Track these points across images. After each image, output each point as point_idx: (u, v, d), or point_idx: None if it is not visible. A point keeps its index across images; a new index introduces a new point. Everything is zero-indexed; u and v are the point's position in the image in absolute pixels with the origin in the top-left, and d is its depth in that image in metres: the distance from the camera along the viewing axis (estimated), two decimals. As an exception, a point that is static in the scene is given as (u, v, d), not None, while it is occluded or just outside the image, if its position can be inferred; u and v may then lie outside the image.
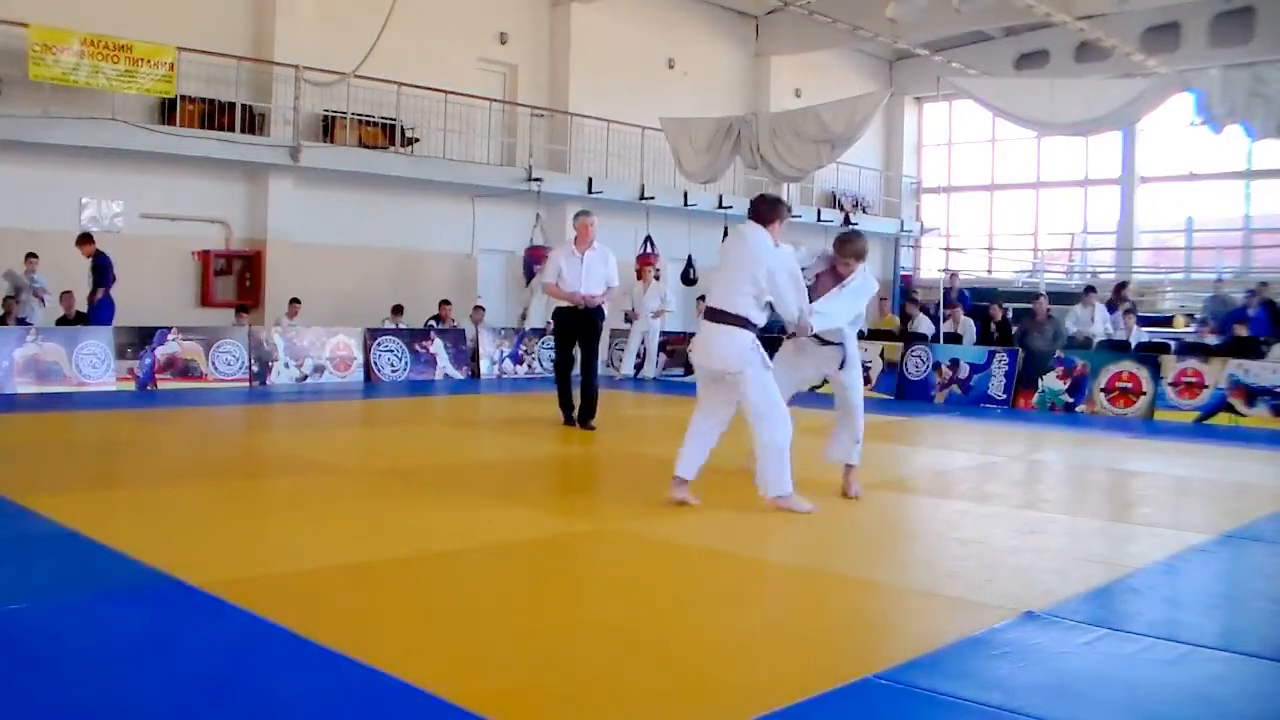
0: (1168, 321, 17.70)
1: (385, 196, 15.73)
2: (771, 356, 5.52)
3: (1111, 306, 14.16)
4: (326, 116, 14.99)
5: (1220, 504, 6.46)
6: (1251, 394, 10.84)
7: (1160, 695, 3.09)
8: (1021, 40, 21.49)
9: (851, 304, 5.79)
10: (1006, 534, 5.22)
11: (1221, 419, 10.92)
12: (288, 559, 4.41)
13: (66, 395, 10.86)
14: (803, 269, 5.57)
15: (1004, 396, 12.30)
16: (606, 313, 9.33)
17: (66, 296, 12.33)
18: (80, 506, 5.25)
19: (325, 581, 4.05)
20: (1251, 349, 11.79)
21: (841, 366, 5.86)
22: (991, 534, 5.21)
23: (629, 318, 15.28)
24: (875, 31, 18.90)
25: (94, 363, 11.43)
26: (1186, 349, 12.51)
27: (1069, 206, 23.33)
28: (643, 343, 15.32)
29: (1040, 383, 12.13)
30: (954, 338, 14.32)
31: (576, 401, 9.11)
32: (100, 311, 11.96)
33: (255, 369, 12.58)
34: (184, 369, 12.00)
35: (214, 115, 13.63)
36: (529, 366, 14.94)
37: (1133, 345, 12.77)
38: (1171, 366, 11.45)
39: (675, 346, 15.28)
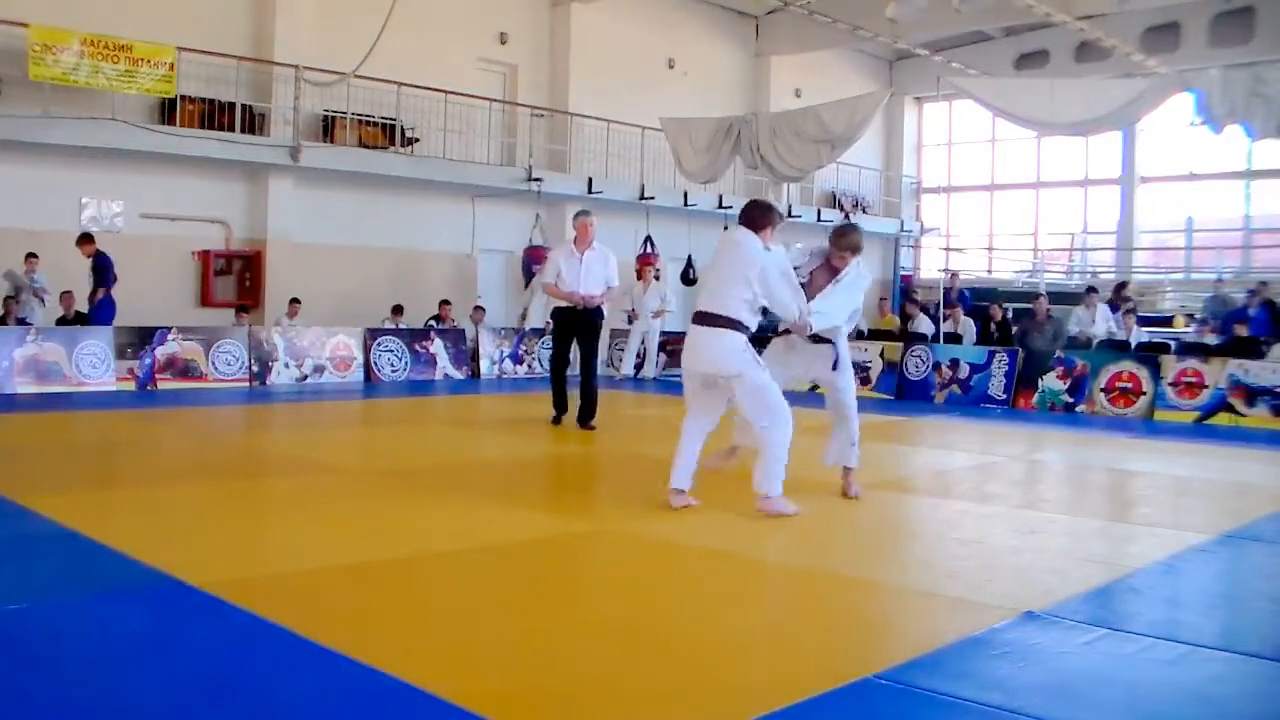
0: (1168, 321, 17.70)
1: (385, 196, 15.73)
2: (761, 354, 5.50)
3: (1114, 306, 14.16)
4: (326, 116, 14.99)
5: (1220, 504, 6.46)
6: (1251, 394, 10.84)
7: (1160, 695, 3.09)
8: (1021, 40, 21.49)
9: (848, 299, 5.78)
10: (1006, 534, 5.22)
11: (1221, 419, 10.92)
12: (288, 559, 4.41)
13: (66, 395, 10.86)
14: (795, 268, 5.56)
15: (1004, 396, 12.30)
16: (606, 313, 9.32)
17: (66, 296, 12.33)
18: (80, 506, 5.25)
19: (325, 581, 4.04)
20: (1251, 349, 11.79)
21: (835, 368, 5.83)
22: (991, 534, 5.21)
23: (631, 318, 15.28)
24: (875, 31, 18.90)
25: (94, 363, 11.43)
26: (1186, 349, 12.51)
27: (1069, 206, 23.33)
28: (643, 343, 15.33)
29: (1040, 383, 12.13)
30: (954, 338, 14.32)
31: (574, 404, 9.10)
32: (101, 311, 11.96)
33: (255, 369, 12.58)
34: (184, 369, 12.00)
35: (214, 115, 13.63)
36: (529, 366, 14.94)
37: (1133, 345, 12.77)
38: (1171, 366, 11.45)
39: (675, 346, 15.27)
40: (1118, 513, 6.32)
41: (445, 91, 15.53)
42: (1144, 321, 15.23)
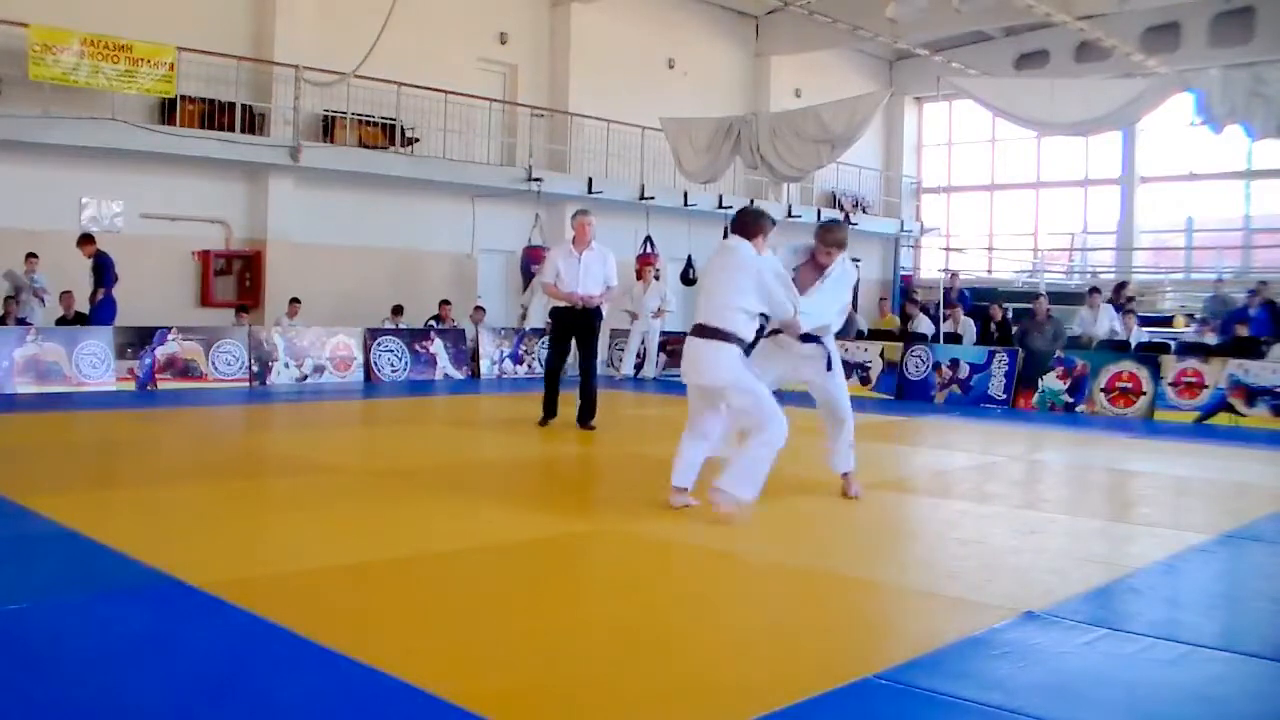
0: (1168, 321, 17.71)
1: (385, 196, 15.74)
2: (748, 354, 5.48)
3: (1119, 307, 14.18)
4: (326, 116, 15.00)
5: (1220, 504, 6.46)
6: (1251, 394, 10.84)
7: (1160, 695, 3.09)
8: (1021, 40, 21.49)
9: (835, 296, 5.78)
10: (1006, 534, 5.22)
11: (1221, 419, 10.91)
12: (288, 559, 4.40)
13: (66, 395, 10.86)
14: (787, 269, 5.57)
15: (1004, 396, 12.30)
16: (605, 313, 9.29)
17: (66, 296, 12.33)
18: (80, 506, 5.25)
19: (325, 581, 4.04)
20: (1252, 349, 11.79)
21: (829, 369, 5.80)
22: (991, 534, 5.21)
23: (634, 317, 15.28)
24: (875, 31, 18.90)
25: (94, 363, 11.43)
26: (1186, 349, 12.51)
27: (1069, 206, 23.33)
28: (643, 343, 15.33)
29: (1040, 383, 12.13)
30: (954, 338, 14.32)
31: (574, 404, 9.08)
32: (102, 311, 11.96)
33: (255, 369, 12.58)
34: (184, 369, 12.00)
35: (214, 115, 13.64)
36: (529, 367, 14.94)
37: (1133, 345, 12.77)
38: (1171, 366, 11.45)
39: (675, 346, 15.28)
40: (1118, 513, 6.32)
41: (445, 91, 15.53)
42: (1144, 321, 15.24)
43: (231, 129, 13.72)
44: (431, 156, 15.55)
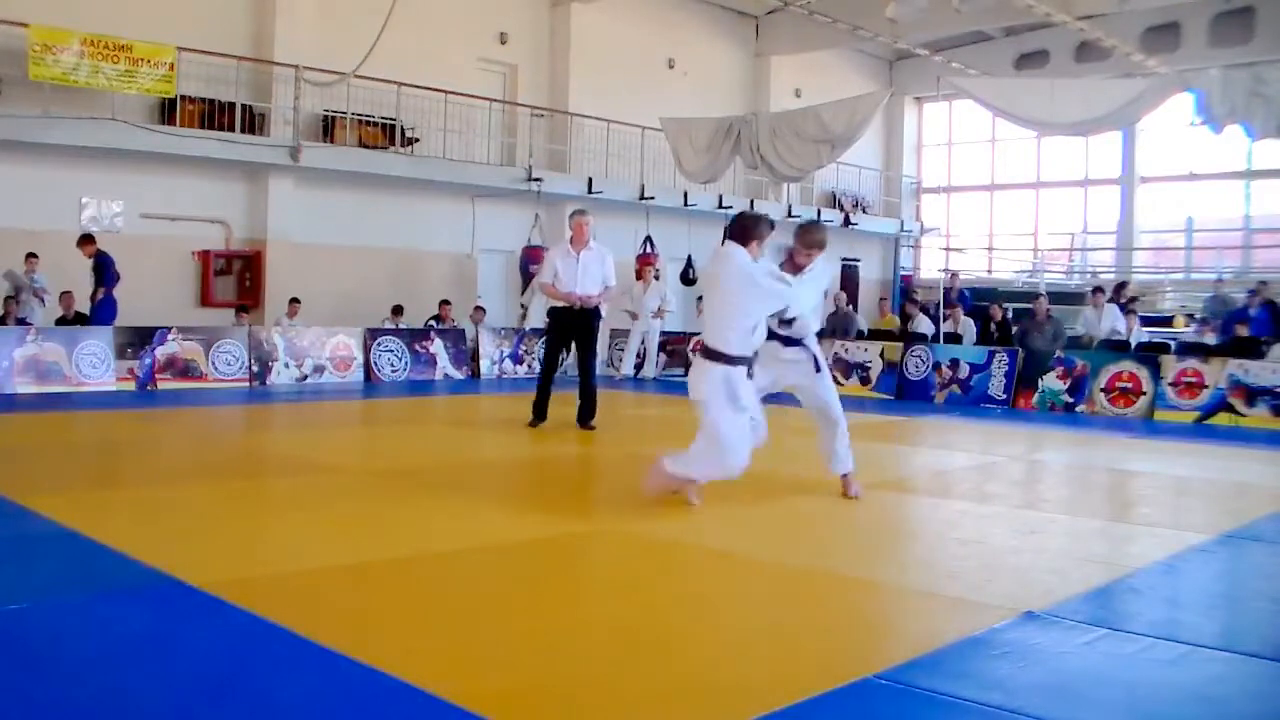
0: (1168, 321, 17.71)
1: (385, 196, 15.74)
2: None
3: (1124, 307, 14.19)
4: (326, 116, 15.00)
5: (1220, 504, 6.46)
6: (1251, 394, 10.84)
7: (1160, 695, 3.09)
8: (1021, 40, 21.49)
9: (810, 292, 5.78)
10: (1006, 534, 5.22)
11: (1221, 419, 10.91)
12: (288, 559, 4.40)
13: (66, 395, 10.86)
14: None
15: (1004, 396, 12.30)
16: (604, 314, 9.27)
17: (66, 296, 12.33)
18: (80, 506, 5.25)
19: (325, 581, 4.04)
20: (1252, 349, 11.79)
21: (817, 370, 5.80)
22: (991, 534, 5.21)
23: (634, 317, 15.29)
24: (875, 31, 18.90)
25: (94, 363, 11.43)
26: (1186, 349, 12.51)
27: (1069, 206, 23.34)
28: (643, 343, 15.33)
29: (1040, 383, 12.13)
30: (954, 338, 14.32)
31: (573, 404, 9.07)
32: (103, 311, 11.96)
33: (255, 369, 12.58)
34: (184, 369, 12.00)
35: (214, 115, 13.64)
36: (529, 367, 14.93)
37: (1133, 345, 12.77)
38: (1171, 366, 11.45)
39: (675, 346, 15.29)
40: (1118, 513, 6.32)
41: (445, 91, 15.53)
42: (1144, 321, 15.25)
43: (231, 129, 13.72)
44: (431, 156, 15.55)
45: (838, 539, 5.17)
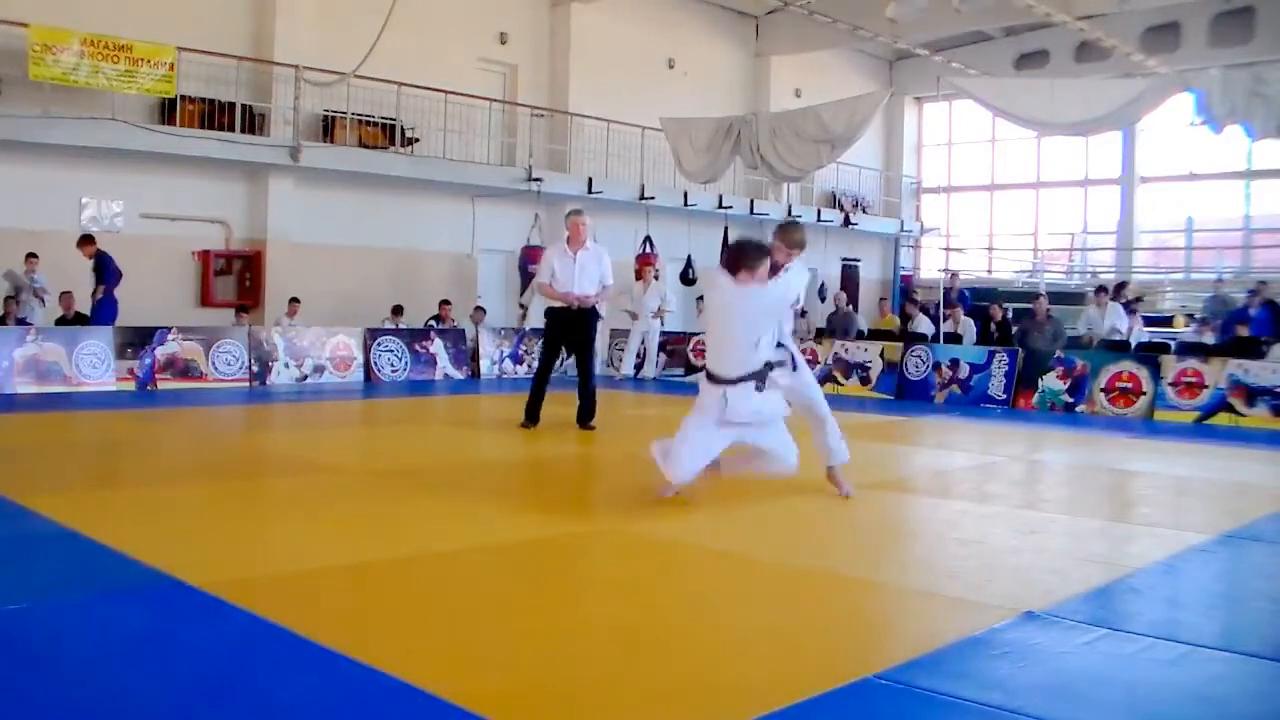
0: (1168, 321, 17.72)
1: (385, 196, 15.74)
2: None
3: (1128, 306, 14.20)
4: (326, 116, 15.00)
5: (1220, 504, 6.46)
6: (1251, 394, 10.84)
7: (1160, 695, 3.09)
8: (1021, 40, 21.50)
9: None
10: (1006, 534, 5.22)
11: (1221, 419, 10.91)
12: (288, 559, 4.40)
13: (66, 395, 10.86)
14: None
15: (1004, 396, 12.30)
16: (604, 314, 9.23)
17: (66, 296, 12.33)
18: (80, 506, 5.25)
19: (325, 581, 4.04)
20: (1252, 349, 11.79)
21: (794, 369, 5.79)
22: (991, 534, 5.21)
23: (634, 317, 15.29)
24: (875, 31, 18.91)
25: (94, 363, 11.43)
26: (1186, 349, 12.51)
27: (1069, 206, 23.34)
28: (643, 343, 15.33)
29: (1040, 383, 12.13)
30: (954, 338, 14.32)
31: (572, 404, 9.06)
32: (103, 311, 11.96)
33: (255, 369, 12.58)
34: (184, 369, 12.00)
35: (214, 115, 13.64)
36: (529, 366, 14.90)
37: (1133, 345, 12.76)
38: (1171, 366, 11.45)
39: (675, 346, 15.29)
40: (1118, 513, 6.32)
41: (445, 91, 15.53)
42: (1144, 321, 15.26)
43: (231, 129, 13.72)
44: (431, 156, 15.56)
45: (838, 539, 5.17)
